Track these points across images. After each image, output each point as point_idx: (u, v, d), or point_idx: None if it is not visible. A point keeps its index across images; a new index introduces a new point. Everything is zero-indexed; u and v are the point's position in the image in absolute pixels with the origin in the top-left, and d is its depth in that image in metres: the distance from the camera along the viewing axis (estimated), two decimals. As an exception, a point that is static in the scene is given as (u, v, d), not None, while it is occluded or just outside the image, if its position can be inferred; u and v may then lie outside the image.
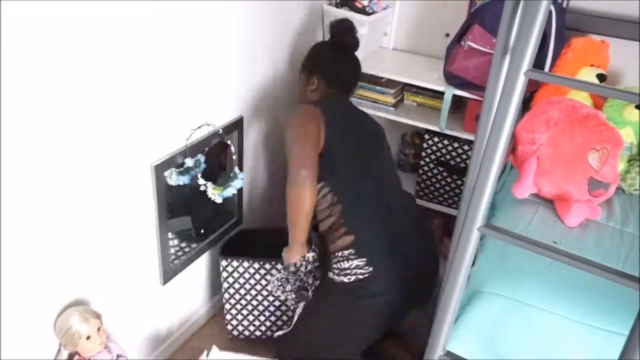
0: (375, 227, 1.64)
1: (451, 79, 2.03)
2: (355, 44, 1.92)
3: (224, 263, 1.90)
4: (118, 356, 1.56)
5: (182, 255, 1.87)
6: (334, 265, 1.65)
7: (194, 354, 2.00)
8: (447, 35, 2.24)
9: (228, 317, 2.00)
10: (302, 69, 1.91)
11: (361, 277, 1.59)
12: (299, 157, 1.63)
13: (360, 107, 1.96)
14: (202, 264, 2.01)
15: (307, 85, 1.87)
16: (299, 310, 1.81)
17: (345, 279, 1.61)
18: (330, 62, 1.87)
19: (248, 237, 2.09)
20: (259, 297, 1.96)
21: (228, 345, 2.01)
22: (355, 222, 1.63)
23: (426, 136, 2.25)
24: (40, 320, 1.42)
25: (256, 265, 1.90)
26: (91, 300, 1.54)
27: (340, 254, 1.63)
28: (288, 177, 1.64)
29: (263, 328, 2.02)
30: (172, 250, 1.81)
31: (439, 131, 2.17)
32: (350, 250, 1.61)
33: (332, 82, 1.86)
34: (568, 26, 1.93)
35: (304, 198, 1.60)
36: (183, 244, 1.89)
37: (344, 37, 1.89)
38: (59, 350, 1.47)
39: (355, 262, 1.59)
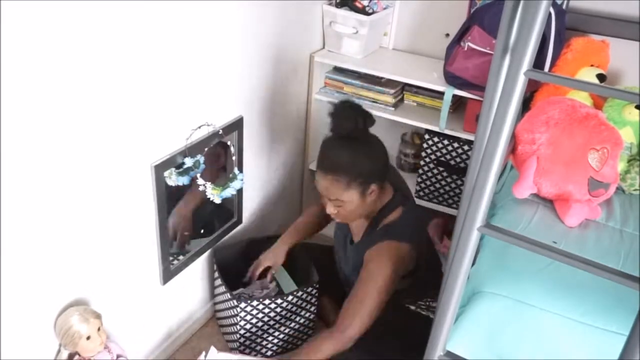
0: None
1: (451, 79, 2.03)
2: (371, 122, 1.68)
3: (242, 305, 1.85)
4: (118, 356, 1.56)
5: (181, 255, 1.87)
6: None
7: (194, 354, 1.99)
8: (447, 35, 2.24)
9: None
10: (349, 185, 1.60)
11: None
12: (369, 317, 1.58)
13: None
14: (202, 264, 2.01)
15: (363, 197, 1.64)
16: None
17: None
18: (378, 161, 1.66)
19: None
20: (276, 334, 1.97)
21: (227, 345, 2.02)
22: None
23: (426, 136, 2.25)
24: (40, 320, 1.42)
25: (272, 305, 1.89)
26: (91, 300, 1.54)
27: None
28: (353, 323, 1.58)
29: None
30: (172, 250, 1.81)
31: (439, 131, 2.17)
32: None
33: (385, 177, 1.71)
34: (568, 26, 1.93)
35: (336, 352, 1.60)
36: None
37: (366, 124, 1.66)
38: (59, 350, 1.47)
39: None
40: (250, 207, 2.19)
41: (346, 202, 1.64)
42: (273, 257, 1.97)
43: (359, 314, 1.58)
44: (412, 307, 1.80)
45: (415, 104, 2.32)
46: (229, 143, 1.85)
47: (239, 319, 1.86)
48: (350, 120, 1.61)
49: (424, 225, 1.87)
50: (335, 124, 1.64)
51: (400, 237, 1.65)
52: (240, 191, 1.97)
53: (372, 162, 1.63)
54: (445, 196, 2.32)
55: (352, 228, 1.83)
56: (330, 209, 1.69)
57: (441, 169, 2.26)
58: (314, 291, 1.94)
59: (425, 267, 1.75)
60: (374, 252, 1.64)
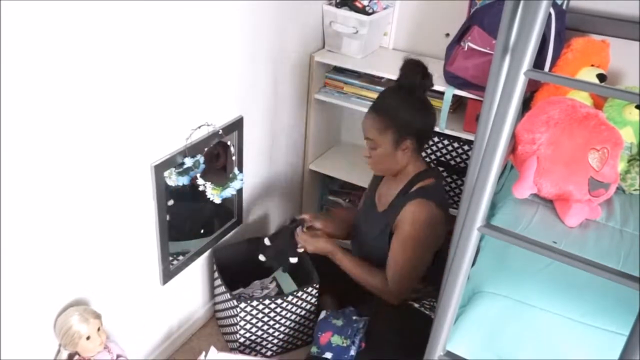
0: None
1: (451, 79, 2.03)
2: (430, 84, 1.75)
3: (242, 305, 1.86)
4: (118, 356, 1.56)
5: (181, 255, 1.87)
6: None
7: (193, 354, 2.00)
8: (447, 35, 2.24)
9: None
10: (386, 129, 1.68)
11: None
12: (414, 271, 1.67)
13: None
14: (202, 264, 2.01)
15: (396, 147, 1.69)
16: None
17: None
18: (421, 121, 1.72)
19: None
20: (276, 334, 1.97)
21: (227, 345, 2.02)
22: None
23: (426, 136, 2.24)
24: (40, 320, 1.42)
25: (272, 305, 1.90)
26: (91, 300, 1.54)
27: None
28: (395, 281, 1.68)
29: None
30: (172, 250, 1.81)
31: (439, 131, 2.17)
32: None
33: (422, 141, 1.77)
34: (568, 26, 1.93)
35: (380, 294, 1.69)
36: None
37: (425, 83, 1.72)
38: (59, 350, 1.47)
39: None
40: (250, 207, 2.19)
41: (379, 146, 1.70)
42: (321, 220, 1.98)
43: (406, 274, 1.66)
44: (416, 305, 1.79)
45: (415, 104, 2.31)
46: (229, 143, 1.85)
47: (239, 319, 1.86)
48: (411, 74, 1.69)
49: (448, 204, 1.91)
50: (400, 75, 1.73)
51: (436, 199, 1.69)
52: (240, 191, 1.97)
53: (414, 117, 1.69)
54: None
55: (381, 195, 1.86)
56: (365, 152, 1.76)
57: (441, 169, 2.26)
58: (314, 291, 1.94)
59: (443, 257, 1.74)
60: (409, 209, 1.67)
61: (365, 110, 2.24)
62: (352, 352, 1.73)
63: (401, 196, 1.75)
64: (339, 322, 1.82)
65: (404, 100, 1.69)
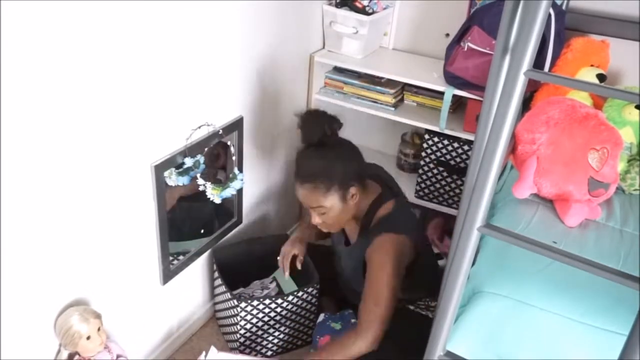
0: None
1: (451, 79, 2.03)
2: (338, 126, 1.69)
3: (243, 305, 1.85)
4: (118, 356, 1.56)
5: (182, 255, 1.87)
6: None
7: (194, 354, 2.00)
8: (447, 35, 2.24)
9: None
10: (328, 190, 1.61)
11: None
12: (386, 315, 1.59)
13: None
14: (202, 264, 2.01)
15: (345, 201, 1.64)
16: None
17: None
18: (353, 162, 1.67)
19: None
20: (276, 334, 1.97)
21: (227, 345, 2.02)
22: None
23: (426, 136, 2.25)
24: (40, 320, 1.42)
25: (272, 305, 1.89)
26: (91, 300, 1.54)
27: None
28: (366, 323, 1.59)
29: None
30: (172, 250, 1.81)
31: (439, 131, 2.17)
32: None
33: (363, 177, 1.71)
34: (568, 26, 1.93)
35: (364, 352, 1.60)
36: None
37: (334, 128, 1.67)
38: (59, 350, 1.47)
39: None
40: (250, 207, 2.19)
41: (329, 208, 1.64)
42: (299, 246, 1.96)
43: (376, 315, 1.59)
44: (411, 307, 1.80)
45: (415, 104, 2.32)
46: (229, 143, 1.85)
47: (239, 318, 1.86)
48: (317, 128, 1.63)
49: (415, 218, 1.86)
50: (304, 134, 1.66)
51: (396, 228, 1.65)
52: (240, 191, 1.97)
53: (346, 165, 1.64)
54: (445, 196, 2.32)
55: (347, 231, 1.83)
56: (316, 219, 1.69)
57: (441, 169, 2.26)
58: (314, 291, 1.94)
59: (421, 263, 1.75)
60: (375, 248, 1.64)
61: (365, 110, 2.27)
62: None
63: (365, 230, 1.72)
64: (337, 326, 1.82)
65: (326, 156, 1.63)
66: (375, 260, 1.63)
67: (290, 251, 1.95)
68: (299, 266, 1.94)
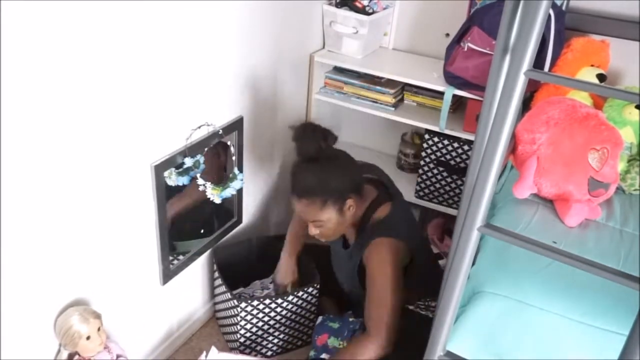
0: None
1: (451, 79, 2.03)
2: (333, 139, 1.70)
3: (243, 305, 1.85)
4: (118, 356, 1.56)
5: (181, 255, 1.87)
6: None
7: (194, 354, 2.00)
8: (447, 35, 2.24)
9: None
10: (324, 205, 1.62)
11: None
12: (394, 316, 1.59)
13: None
14: (202, 264, 2.01)
15: (341, 213, 1.65)
16: None
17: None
18: (349, 176, 1.67)
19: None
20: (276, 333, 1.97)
21: (227, 345, 2.02)
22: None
23: (426, 136, 2.25)
24: (40, 320, 1.42)
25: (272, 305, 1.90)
26: (91, 300, 1.54)
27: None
28: (374, 328, 1.59)
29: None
30: (172, 250, 1.81)
31: (439, 131, 2.17)
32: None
33: (360, 188, 1.71)
34: (568, 26, 1.93)
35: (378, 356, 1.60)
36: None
37: (329, 141, 1.67)
38: (59, 350, 1.47)
39: None
40: (250, 207, 2.19)
41: (325, 221, 1.65)
42: (290, 274, 1.98)
43: (383, 318, 1.59)
44: (411, 307, 1.80)
45: (415, 104, 2.32)
46: (229, 143, 1.85)
47: (239, 319, 1.86)
48: (312, 142, 1.64)
49: (413, 219, 1.86)
50: (299, 148, 1.68)
51: (391, 232, 1.65)
52: (240, 191, 1.97)
53: (342, 178, 1.64)
54: (445, 196, 2.32)
55: (345, 234, 1.83)
56: (313, 231, 1.70)
57: (441, 169, 2.26)
58: (315, 291, 1.94)
59: (420, 264, 1.75)
60: (372, 252, 1.64)
61: (365, 110, 2.27)
62: None
63: (361, 233, 1.73)
64: (335, 325, 1.83)
65: (321, 170, 1.63)
66: (374, 265, 1.63)
67: (285, 283, 1.98)
68: (270, 278, 1.98)
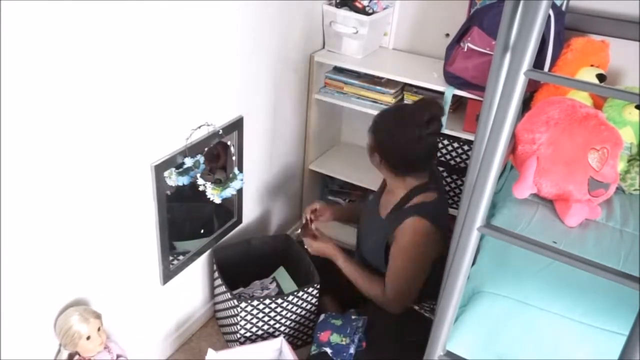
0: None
1: (451, 79, 2.03)
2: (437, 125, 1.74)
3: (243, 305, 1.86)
4: (118, 356, 1.56)
5: (181, 255, 1.87)
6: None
7: (193, 354, 2.00)
8: (447, 35, 2.24)
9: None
10: (371, 146, 1.77)
11: None
12: (412, 282, 1.72)
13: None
14: (202, 264, 2.01)
15: (373, 157, 1.78)
16: None
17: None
18: (398, 147, 1.73)
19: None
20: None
21: (227, 345, 2.02)
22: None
23: (426, 136, 2.24)
24: (40, 320, 1.42)
25: (272, 305, 1.90)
26: (91, 300, 1.54)
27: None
28: (393, 290, 1.73)
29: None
30: (172, 250, 1.81)
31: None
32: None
33: (399, 164, 1.77)
34: (568, 26, 1.93)
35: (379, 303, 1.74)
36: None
37: (431, 126, 1.69)
38: (59, 350, 1.47)
39: None
40: (250, 207, 2.19)
41: (371, 160, 1.79)
42: (324, 206, 2.04)
43: (403, 290, 1.70)
44: (416, 308, 1.80)
45: (415, 104, 2.32)
46: (229, 143, 1.85)
47: (239, 318, 1.86)
48: (435, 116, 1.70)
49: (448, 219, 1.88)
50: (418, 107, 1.76)
51: (428, 216, 1.70)
52: (240, 191, 1.97)
53: (391, 141, 1.72)
54: (446, 196, 2.32)
55: (382, 202, 1.87)
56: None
57: (441, 169, 2.26)
58: (315, 291, 1.94)
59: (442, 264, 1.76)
60: (404, 227, 1.70)
61: (366, 110, 2.27)
62: (352, 350, 1.73)
63: (398, 208, 1.77)
64: (338, 322, 1.83)
65: (393, 126, 1.72)
66: (402, 238, 1.70)
67: (314, 205, 2.03)
68: (312, 227, 1.98)
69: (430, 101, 1.79)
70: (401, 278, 1.72)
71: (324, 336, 1.81)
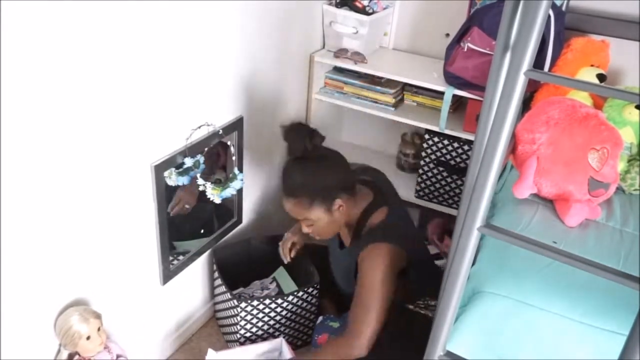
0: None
1: (451, 79, 2.03)
2: (319, 139, 1.68)
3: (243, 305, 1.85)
4: (118, 356, 1.56)
5: (181, 255, 1.87)
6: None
7: (193, 354, 2.00)
8: (447, 35, 2.24)
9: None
10: (311, 204, 1.64)
11: None
12: (376, 321, 1.58)
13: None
14: (202, 264, 2.01)
15: (330, 212, 1.66)
16: None
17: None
18: (336, 175, 1.66)
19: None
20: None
21: (227, 345, 2.02)
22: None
23: (426, 136, 2.25)
24: (40, 320, 1.42)
25: (272, 305, 1.89)
26: (91, 300, 1.54)
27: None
28: (356, 330, 1.59)
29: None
30: (172, 250, 1.81)
31: (439, 131, 2.17)
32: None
33: (350, 188, 1.69)
34: (568, 26, 1.93)
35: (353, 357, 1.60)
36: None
37: (315, 140, 1.65)
38: (59, 350, 1.47)
39: None
40: (250, 207, 2.19)
41: (315, 220, 1.67)
42: (299, 235, 1.98)
43: (366, 321, 1.59)
44: (411, 307, 1.80)
45: (415, 104, 2.32)
46: (229, 143, 1.85)
47: (239, 319, 1.86)
48: (298, 142, 1.64)
49: (411, 222, 1.87)
50: (288, 147, 1.68)
51: (386, 238, 1.64)
52: (240, 191, 1.97)
53: (329, 178, 1.64)
54: (445, 196, 2.32)
55: (341, 234, 1.83)
56: (305, 229, 1.73)
57: (441, 169, 2.26)
58: (315, 291, 1.94)
59: (417, 265, 1.75)
60: (365, 256, 1.64)
61: (366, 110, 2.28)
62: None
63: (356, 238, 1.73)
64: (336, 325, 1.83)
65: (308, 169, 1.64)
66: (365, 269, 1.63)
67: (291, 238, 1.99)
68: (292, 254, 1.96)
69: (291, 126, 1.69)
70: (370, 312, 1.60)
71: (321, 339, 1.82)
